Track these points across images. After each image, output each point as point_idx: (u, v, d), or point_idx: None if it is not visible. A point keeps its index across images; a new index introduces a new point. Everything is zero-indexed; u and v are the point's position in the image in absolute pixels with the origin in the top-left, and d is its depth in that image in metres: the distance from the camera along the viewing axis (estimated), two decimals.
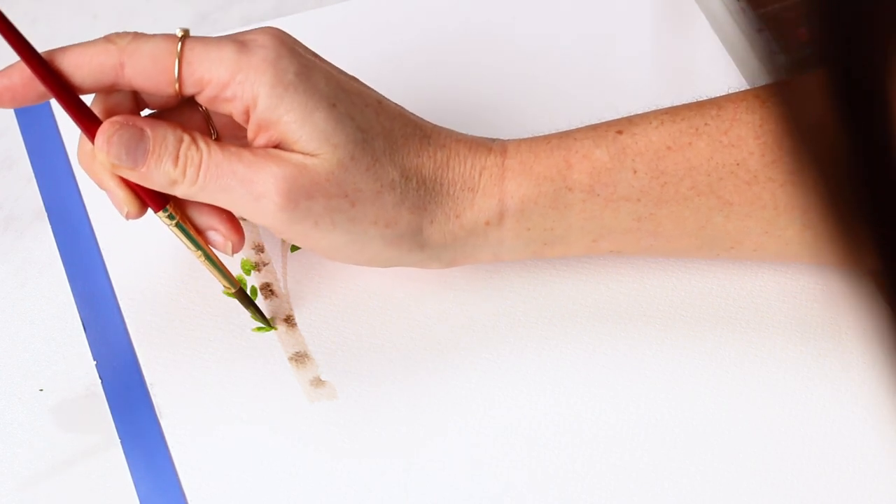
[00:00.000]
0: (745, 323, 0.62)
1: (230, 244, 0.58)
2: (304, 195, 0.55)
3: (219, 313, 0.62)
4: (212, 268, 0.60)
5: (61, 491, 0.59)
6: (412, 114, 0.59)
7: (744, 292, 0.63)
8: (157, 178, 0.55)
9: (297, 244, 0.62)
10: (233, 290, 0.61)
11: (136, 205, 0.57)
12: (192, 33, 0.55)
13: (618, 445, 0.59)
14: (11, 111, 0.70)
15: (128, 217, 0.57)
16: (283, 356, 0.62)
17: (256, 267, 0.64)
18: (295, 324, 0.62)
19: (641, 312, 0.63)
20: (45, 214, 0.66)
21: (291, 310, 0.63)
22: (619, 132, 0.59)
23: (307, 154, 0.55)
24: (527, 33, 0.73)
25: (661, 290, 0.63)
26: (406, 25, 0.73)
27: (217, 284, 0.62)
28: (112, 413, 0.60)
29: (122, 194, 0.56)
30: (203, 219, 0.58)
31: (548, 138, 0.60)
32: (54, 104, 0.69)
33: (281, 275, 0.64)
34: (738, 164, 0.57)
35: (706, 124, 0.58)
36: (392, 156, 0.57)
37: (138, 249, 0.64)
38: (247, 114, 0.55)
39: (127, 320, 0.62)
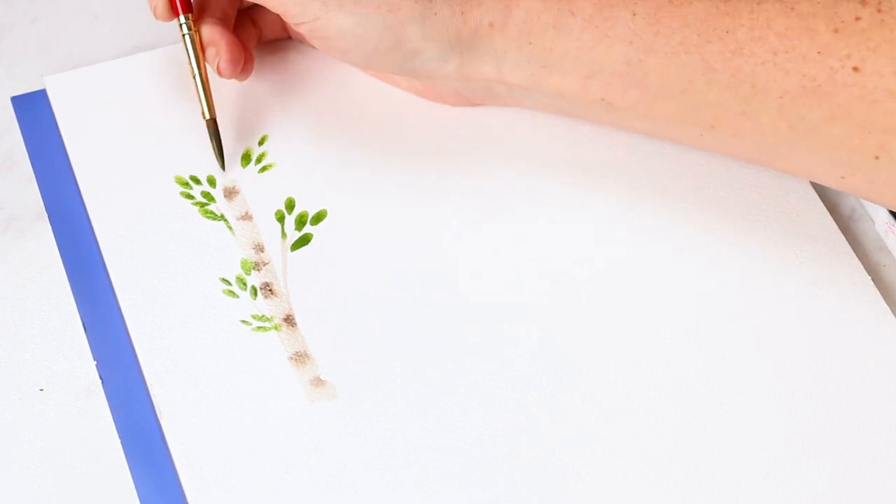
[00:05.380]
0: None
1: (222, 62, 0.65)
2: None
3: (219, 313, 0.63)
4: (199, 89, 0.66)
5: (61, 491, 0.59)
6: None
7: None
8: None
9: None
10: (208, 117, 0.66)
11: (166, 5, 0.66)
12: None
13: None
14: (12, 112, 0.70)
15: (156, 15, 0.66)
16: (283, 356, 0.62)
17: (256, 267, 0.64)
18: (295, 324, 0.62)
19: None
20: (46, 215, 0.66)
21: (291, 310, 0.63)
22: None
23: None
24: None
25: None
26: None
27: (214, 276, 0.62)
28: (112, 413, 0.60)
29: None
30: (209, 32, 0.66)
31: None
32: (53, 101, 0.69)
33: (281, 275, 0.64)
34: (727, 32, 0.59)
35: None
36: None
37: (138, 249, 0.64)
38: None
39: (127, 320, 0.62)
